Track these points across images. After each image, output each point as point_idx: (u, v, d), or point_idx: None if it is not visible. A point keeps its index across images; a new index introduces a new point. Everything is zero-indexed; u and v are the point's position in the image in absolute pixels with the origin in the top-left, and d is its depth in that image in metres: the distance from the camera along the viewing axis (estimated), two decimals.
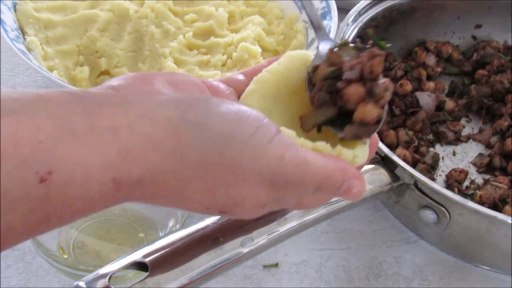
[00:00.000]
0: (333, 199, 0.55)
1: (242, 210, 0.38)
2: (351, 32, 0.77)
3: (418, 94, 0.80)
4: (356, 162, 0.41)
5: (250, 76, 0.44)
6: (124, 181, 0.34)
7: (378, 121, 0.42)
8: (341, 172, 0.39)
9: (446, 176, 0.75)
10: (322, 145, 0.40)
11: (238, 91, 0.44)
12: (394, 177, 0.62)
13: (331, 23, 0.81)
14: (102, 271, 0.41)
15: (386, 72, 0.82)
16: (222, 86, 0.44)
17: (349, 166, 0.40)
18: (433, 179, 0.74)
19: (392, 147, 0.74)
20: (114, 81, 0.38)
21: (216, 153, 0.35)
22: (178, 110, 0.36)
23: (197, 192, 0.36)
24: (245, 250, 0.46)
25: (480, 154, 0.78)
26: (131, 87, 0.37)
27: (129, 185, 0.34)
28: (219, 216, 0.46)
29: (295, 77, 0.44)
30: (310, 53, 0.45)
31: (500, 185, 0.70)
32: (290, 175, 0.37)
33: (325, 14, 0.83)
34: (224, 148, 0.36)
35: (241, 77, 0.45)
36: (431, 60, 0.85)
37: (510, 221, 0.58)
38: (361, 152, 0.41)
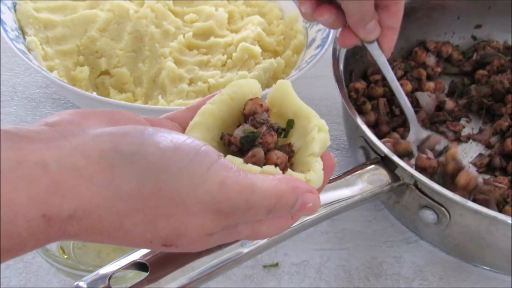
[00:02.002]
0: (333, 200, 0.55)
1: (188, 241, 0.36)
2: None
3: (418, 94, 0.80)
4: None
5: (196, 110, 0.43)
6: (55, 216, 0.33)
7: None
8: (292, 190, 0.38)
9: None
10: (271, 169, 0.39)
11: (183, 125, 0.43)
12: (394, 177, 0.62)
13: None
14: (102, 271, 0.41)
15: None
16: (166, 122, 0.43)
17: (299, 181, 0.39)
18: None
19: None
20: (50, 118, 0.37)
21: (152, 183, 0.34)
22: (111, 142, 0.35)
23: (137, 225, 0.35)
24: (245, 250, 0.46)
25: (480, 154, 0.78)
26: (67, 123, 0.36)
27: (60, 221, 0.33)
28: None
29: (239, 106, 0.44)
30: (254, 81, 0.45)
31: (499, 185, 0.70)
32: (234, 200, 0.36)
33: None
34: (160, 177, 0.34)
35: (185, 112, 0.44)
36: (431, 60, 0.85)
37: (510, 221, 0.58)
38: (314, 176, 0.41)
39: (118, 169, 0.34)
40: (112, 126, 0.37)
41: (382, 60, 0.68)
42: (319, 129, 0.42)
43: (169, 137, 0.36)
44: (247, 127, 0.42)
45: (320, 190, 0.42)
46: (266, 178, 0.38)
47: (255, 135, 0.41)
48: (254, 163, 0.40)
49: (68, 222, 0.33)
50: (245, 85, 0.44)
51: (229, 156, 0.39)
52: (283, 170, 0.40)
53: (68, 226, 0.33)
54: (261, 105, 0.43)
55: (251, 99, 0.43)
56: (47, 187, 0.32)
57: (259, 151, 0.40)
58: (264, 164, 0.40)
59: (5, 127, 0.34)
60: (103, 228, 0.34)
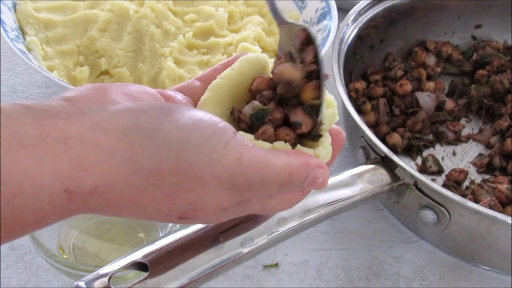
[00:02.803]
0: (333, 200, 0.55)
1: (204, 215, 0.37)
2: (351, 32, 0.77)
3: (418, 94, 0.80)
4: None
5: (206, 81, 0.44)
6: (77, 191, 0.33)
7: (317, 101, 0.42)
8: (304, 166, 0.39)
9: (446, 176, 0.75)
10: (281, 144, 0.40)
11: (195, 98, 0.43)
12: (394, 177, 0.62)
13: (331, 23, 0.81)
14: (102, 271, 0.41)
15: (386, 72, 0.83)
16: (178, 95, 0.43)
17: (311, 157, 0.40)
18: (433, 179, 0.74)
19: (395, 149, 0.74)
20: (68, 93, 0.37)
21: (172, 160, 0.35)
22: (131, 118, 0.35)
23: (155, 200, 0.36)
24: (245, 250, 0.46)
25: (480, 154, 0.78)
26: (85, 98, 0.37)
27: (82, 196, 0.34)
28: None
29: (249, 81, 0.44)
30: (264, 55, 0.45)
31: (499, 185, 0.70)
32: (250, 177, 0.37)
33: (325, 14, 0.83)
34: (180, 154, 0.35)
35: (197, 83, 0.45)
36: (431, 60, 0.85)
37: (510, 221, 0.58)
38: (323, 151, 0.41)
39: (138, 146, 0.35)
40: (131, 102, 0.38)
41: None
42: (328, 105, 0.42)
43: (187, 114, 0.37)
44: (256, 104, 0.42)
45: (329, 164, 0.42)
46: (280, 154, 0.38)
47: (264, 112, 0.41)
48: (264, 140, 0.40)
49: (90, 197, 0.34)
50: (255, 59, 0.44)
51: (241, 132, 0.40)
52: (293, 146, 0.41)
53: (89, 200, 0.34)
54: (269, 82, 0.43)
55: (259, 76, 0.43)
56: (69, 162, 0.33)
57: (269, 128, 0.41)
58: (274, 140, 0.40)
59: (26, 102, 0.35)
60: (122, 203, 0.35)
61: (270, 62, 0.45)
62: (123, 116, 0.35)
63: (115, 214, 0.36)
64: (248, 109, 0.42)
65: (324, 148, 0.41)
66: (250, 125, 0.42)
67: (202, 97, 0.43)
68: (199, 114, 0.37)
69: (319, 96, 0.41)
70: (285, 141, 0.40)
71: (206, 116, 0.37)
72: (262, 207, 0.40)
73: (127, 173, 0.34)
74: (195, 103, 0.43)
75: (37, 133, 0.33)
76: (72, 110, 0.35)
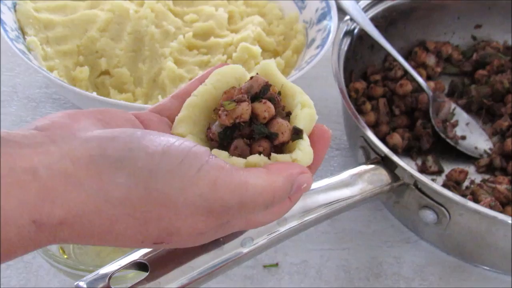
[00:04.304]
0: (333, 200, 0.55)
1: (179, 239, 0.37)
2: (351, 32, 0.77)
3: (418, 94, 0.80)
4: None
5: (182, 98, 0.43)
6: (45, 223, 0.33)
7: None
8: (287, 179, 0.38)
9: (446, 176, 0.75)
10: (255, 158, 0.39)
11: (172, 118, 0.42)
12: (394, 177, 0.62)
13: (331, 23, 0.81)
14: (102, 271, 0.41)
15: (386, 72, 0.83)
16: (154, 117, 0.42)
17: (292, 167, 0.38)
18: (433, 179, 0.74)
19: (395, 149, 0.74)
20: (40, 121, 0.36)
21: (141, 188, 0.34)
22: (99, 147, 0.34)
23: (128, 229, 0.35)
24: (245, 250, 0.46)
25: (480, 154, 0.78)
26: (56, 126, 0.36)
27: (51, 227, 0.33)
28: None
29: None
30: (238, 66, 0.43)
31: (498, 186, 0.70)
32: (227, 200, 0.36)
33: (325, 14, 0.83)
34: (149, 182, 0.34)
35: (172, 102, 0.44)
36: (431, 60, 0.85)
37: (510, 221, 0.58)
38: (300, 154, 0.39)
39: (107, 175, 0.34)
40: (102, 128, 0.37)
41: None
42: (302, 105, 0.41)
43: (158, 140, 0.35)
44: None
45: (317, 165, 0.41)
46: (260, 173, 0.37)
47: (232, 128, 0.40)
48: (239, 155, 0.39)
49: (59, 228, 0.33)
50: (228, 72, 0.43)
51: (214, 151, 0.39)
52: (268, 156, 0.39)
53: (58, 231, 0.33)
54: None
55: (225, 92, 0.42)
56: (37, 193, 0.32)
57: (240, 143, 0.39)
58: (249, 154, 0.39)
59: None
60: (94, 233, 0.34)
61: (243, 72, 0.43)
62: (91, 145, 0.35)
63: (88, 243, 0.36)
64: (216, 127, 0.40)
65: (302, 151, 0.40)
66: (221, 143, 0.40)
67: (177, 117, 0.42)
68: (170, 139, 0.36)
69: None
70: (260, 153, 0.39)
71: (178, 142, 0.36)
72: (246, 224, 0.39)
73: (96, 203, 0.34)
74: (171, 122, 0.42)
75: (5, 163, 0.32)
76: (41, 139, 0.34)
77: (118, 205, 0.34)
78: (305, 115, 0.41)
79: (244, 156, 0.39)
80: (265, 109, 0.40)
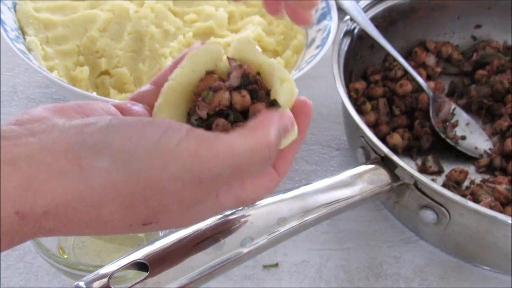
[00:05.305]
0: (333, 200, 0.55)
1: (168, 218, 0.36)
2: (351, 32, 0.77)
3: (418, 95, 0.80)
4: (283, 144, 0.40)
5: (161, 83, 0.42)
6: (29, 213, 0.32)
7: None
8: (271, 121, 0.37)
9: (446, 176, 0.75)
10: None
11: (152, 104, 0.42)
12: (394, 177, 0.62)
13: (331, 23, 0.81)
14: (102, 271, 0.41)
15: (386, 72, 0.83)
16: (135, 106, 0.42)
17: (271, 114, 0.38)
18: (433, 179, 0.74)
19: (395, 149, 0.74)
20: (19, 116, 0.36)
21: (121, 171, 0.34)
22: (76, 135, 0.34)
23: (114, 213, 0.35)
24: (245, 250, 0.46)
25: (480, 154, 0.78)
26: (36, 120, 0.36)
27: (35, 218, 0.33)
28: (219, 216, 0.46)
29: (203, 75, 0.42)
30: (215, 45, 0.42)
31: (498, 186, 0.70)
32: (214, 168, 0.35)
33: (325, 14, 0.83)
34: (129, 164, 0.34)
35: (151, 88, 0.43)
36: (431, 60, 0.85)
37: (510, 221, 0.58)
38: (280, 92, 0.40)
39: (86, 161, 0.34)
40: (81, 119, 0.37)
41: None
42: (282, 80, 0.41)
43: (133, 122, 0.35)
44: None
45: (300, 139, 0.41)
46: (242, 132, 0.37)
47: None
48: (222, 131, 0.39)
49: (43, 218, 0.33)
50: (204, 53, 0.42)
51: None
52: None
53: (43, 222, 0.33)
54: (216, 81, 0.41)
55: (202, 80, 0.41)
56: (19, 184, 0.32)
57: (221, 121, 0.39)
58: (231, 127, 0.39)
59: None
60: (81, 221, 0.34)
61: (220, 51, 0.42)
62: (69, 133, 0.34)
63: (75, 233, 0.35)
64: (196, 115, 0.40)
65: (282, 90, 0.40)
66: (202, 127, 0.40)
67: (156, 104, 0.41)
68: (145, 119, 0.36)
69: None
70: None
71: (154, 120, 0.36)
72: (236, 200, 0.39)
73: (79, 191, 0.33)
74: (151, 109, 0.42)
75: None
76: (20, 132, 0.34)
77: (101, 190, 0.34)
78: (285, 90, 0.41)
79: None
80: (242, 101, 0.40)
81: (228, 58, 0.42)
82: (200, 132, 0.36)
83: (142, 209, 0.35)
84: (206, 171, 0.35)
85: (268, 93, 0.41)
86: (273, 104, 0.40)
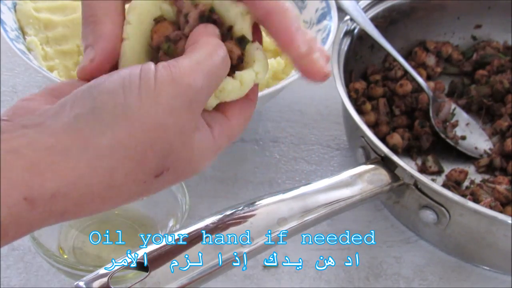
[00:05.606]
0: (333, 200, 0.55)
1: (178, 159, 0.37)
2: (351, 32, 0.77)
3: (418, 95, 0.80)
4: (259, 79, 0.41)
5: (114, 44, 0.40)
6: (37, 198, 0.32)
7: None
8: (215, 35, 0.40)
9: (446, 176, 0.75)
10: None
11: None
12: (394, 177, 0.62)
13: (331, 23, 0.81)
14: (102, 271, 0.41)
15: (386, 72, 0.83)
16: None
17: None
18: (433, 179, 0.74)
19: (395, 149, 0.74)
20: (5, 113, 0.36)
21: (123, 124, 0.34)
22: (68, 112, 0.34)
23: (128, 173, 0.35)
24: (245, 250, 0.46)
25: (480, 154, 0.78)
26: (21, 113, 0.36)
27: (44, 202, 0.32)
28: (219, 216, 0.46)
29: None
30: None
31: (497, 186, 0.70)
32: (194, 81, 0.36)
33: (325, 14, 0.83)
34: (129, 115, 0.34)
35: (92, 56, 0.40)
36: (431, 60, 0.85)
37: (510, 221, 0.58)
38: (260, 67, 0.41)
39: (88, 130, 0.34)
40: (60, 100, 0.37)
41: None
42: (242, 14, 0.40)
43: (113, 78, 0.35)
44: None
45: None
46: (196, 47, 0.38)
47: None
48: None
49: (53, 201, 0.33)
50: (145, 1, 0.40)
51: None
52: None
53: (53, 205, 0.33)
54: (168, 26, 0.40)
55: (154, 31, 0.40)
56: (24, 170, 0.32)
57: None
58: None
59: None
60: (94, 194, 0.34)
61: None
62: (60, 116, 0.34)
63: (87, 212, 0.35)
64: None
65: (260, 61, 0.41)
66: None
67: (119, 66, 0.40)
68: (122, 72, 0.36)
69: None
70: None
71: (130, 69, 0.36)
72: (228, 137, 0.40)
73: (89, 161, 0.33)
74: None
75: None
76: (12, 127, 0.34)
77: (110, 153, 0.34)
78: (248, 25, 0.41)
79: None
80: None
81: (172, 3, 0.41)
82: (164, 63, 0.36)
83: (151, 157, 0.35)
84: (189, 89, 0.36)
85: (229, 29, 0.41)
86: (242, 40, 0.40)
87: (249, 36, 0.41)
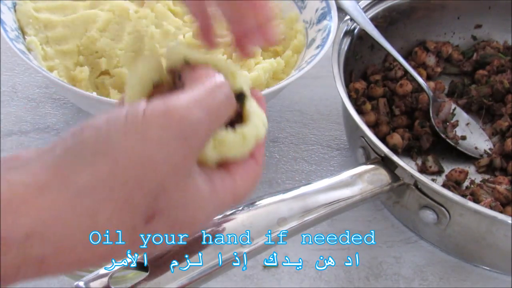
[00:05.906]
0: (333, 200, 0.55)
1: (169, 199, 0.33)
2: (351, 32, 0.77)
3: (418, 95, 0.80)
4: (261, 134, 0.40)
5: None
6: (9, 236, 0.29)
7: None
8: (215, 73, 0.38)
9: (446, 176, 0.75)
10: (223, 133, 0.38)
11: None
12: (394, 177, 0.62)
13: (331, 23, 0.81)
14: (102, 271, 0.41)
15: (386, 72, 0.83)
16: None
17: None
18: (433, 179, 0.74)
19: (395, 149, 0.74)
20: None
21: (105, 162, 0.31)
22: (49, 151, 0.32)
23: (113, 214, 0.31)
24: (245, 250, 0.46)
25: (480, 154, 0.78)
26: (5, 161, 0.33)
27: (18, 243, 0.29)
28: (219, 216, 0.46)
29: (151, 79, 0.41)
30: (151, 56, 0.41)
31: (497, 186, 0.70)
32: (190, 114, 0.33)
33: (325, 14, 0.83)
34: (110, 151, 0.31)
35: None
36: (431, 60, 0.85)
37: (510, 221, 0.58)
38: (260, 122, 0.40)
39: (68, 166, 0.31)
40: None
41: None
42: (232, 73, 0.40)
43: (103, 115, 0.33)
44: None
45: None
46: (197, 83, 0.36)
47: None
48: None
49: (28, 243, 0.30)
50: (144, 64, 0.40)
51: None
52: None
53: (27, 248, 0.30)
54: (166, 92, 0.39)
55: (152, 95, 0.40)
56: None
57: None
58: None
59: None
60: (75, 237, 0.31)
61: (160, 61, 0.41)
62: (42, 156, 0.32)
63: (68, 260, 0.31)
64: None
65: (261, 123, 0.40)
66: None
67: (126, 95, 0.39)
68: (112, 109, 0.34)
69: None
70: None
71: (117, 108, 0.34)
72: (233, 195, 0.37)
73: (68, 199, 0.30)
74: None
75: None
76: None
77: (91, 191, 0.31)
78: (242, 79, 0.40)
79: None
80: None
81: (168, 70, 0.41)
82: (159, 98, 0.34)
83: (140, 197, 0.32)
84: (183, 121, 0.33)
85: None
86: (241, 95, 0.40)
87: (247, 92, 0.41)
